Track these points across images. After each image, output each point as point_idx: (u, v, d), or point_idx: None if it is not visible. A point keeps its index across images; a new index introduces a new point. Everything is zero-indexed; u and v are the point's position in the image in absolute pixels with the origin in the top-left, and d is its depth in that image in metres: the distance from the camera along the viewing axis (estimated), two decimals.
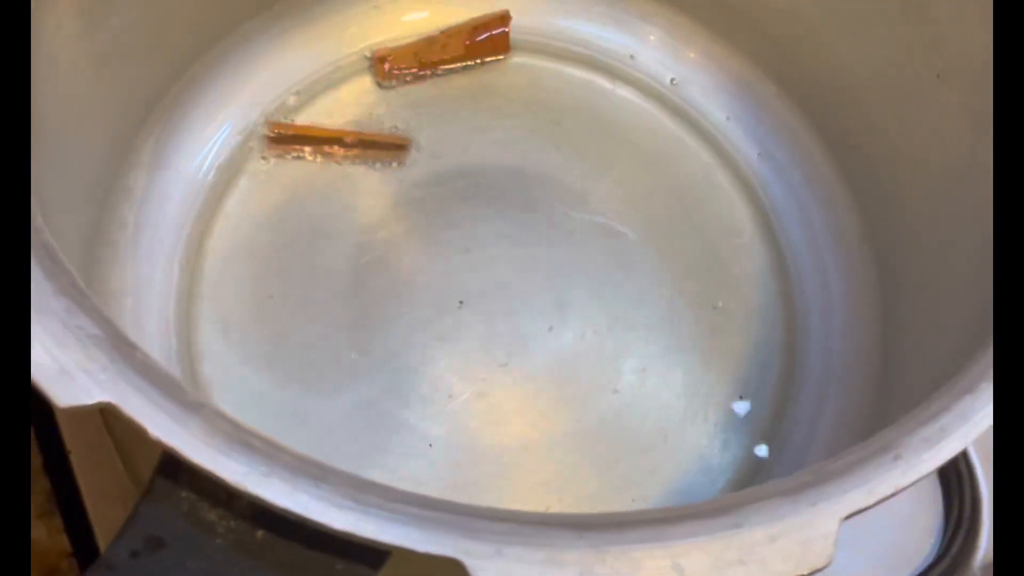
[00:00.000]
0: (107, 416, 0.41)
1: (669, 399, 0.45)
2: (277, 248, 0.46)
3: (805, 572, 0.24)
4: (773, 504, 0.25)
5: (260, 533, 0.26)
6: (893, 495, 0.25)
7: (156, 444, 0.24)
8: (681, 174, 0.49)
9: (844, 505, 0.25)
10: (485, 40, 0.50)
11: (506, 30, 0.50)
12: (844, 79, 0.45)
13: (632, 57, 0.51)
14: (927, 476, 0.25)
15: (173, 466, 0.26)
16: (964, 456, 0.50)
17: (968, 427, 0.26)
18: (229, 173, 0.47)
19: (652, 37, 0.51)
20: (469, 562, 0.23)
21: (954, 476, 0.49)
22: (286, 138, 0.48)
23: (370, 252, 0.46)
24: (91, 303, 0.26)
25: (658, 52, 0.51)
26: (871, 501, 0.25)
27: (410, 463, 0.43)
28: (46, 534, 0.46)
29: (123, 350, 0.25)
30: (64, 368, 0.25)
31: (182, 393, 0.25)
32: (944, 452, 0.25)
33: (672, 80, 0.50)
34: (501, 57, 0.50)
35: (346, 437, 0.43)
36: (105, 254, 0.45)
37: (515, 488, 0.43)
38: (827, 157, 0.48)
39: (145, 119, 0.46)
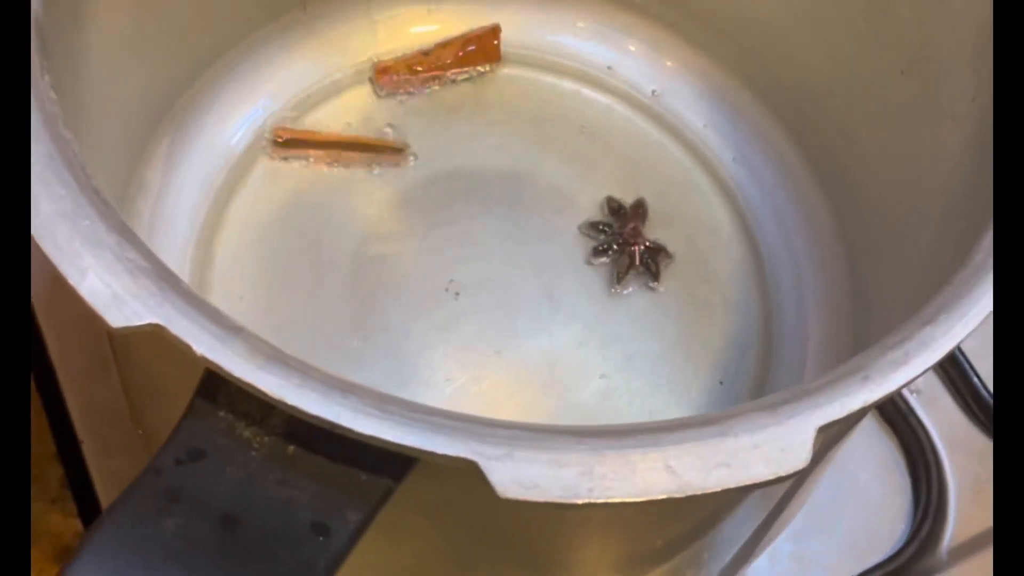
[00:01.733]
0: (126, 377, 0.44)
1: (654, 382, 0.47)
2: (283, 244, 0.49)
3: (784, 473, 0.27)
4: (756, 416, 0.27)
5: (291, 448, 0.28)
6: (863, 409, 0.27)
7: (200, 360, 0.27)
8: (662, 177, 0.52)
9: (819, 417, 0.27)
10: (476, 51, 0.53)
11: (496, 41, 0.53)
12: (814, 83, 0.49)
13: (610, 68, 0.54)
14: (893, 394, 0.28)
15: (212, 388, 0.29)
16: (931, 446, 0.53)
17: (928, 353, 0.29)
18: (238, 173, 0.50)
19: (632, 48, 0.54)
20: (483, 462, 0.26)
21: (922, 465, 0.52)
22: (291, 142, 0.51)
23: (370, 247, 0.49)
24: (139, 240, 0.29)
25: (639, 63, 0.54)
26: (844, 413, 0.27)
27: None
28: (60, 518, 0.48)
29: (169, 280, 0.28)
30: (117, 294, 0.27)
31: (222, 318, 0.28)
32: (908, 373, 0.28)
33: (653, 91, 0.54)
34: (492, 67, 0.54)
35: None
36: None
37: None
38: (800, 158, 0.51)
39: (161, 119, 0.49)
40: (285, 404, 0.27)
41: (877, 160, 0.45)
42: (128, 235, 0.29)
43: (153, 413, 0.43)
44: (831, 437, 0.37)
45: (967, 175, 0.37)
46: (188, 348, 0.27)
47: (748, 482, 0.26)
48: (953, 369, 0.54)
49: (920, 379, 0.53)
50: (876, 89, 0.44)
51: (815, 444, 0.27)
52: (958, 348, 0.52)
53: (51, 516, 0.48)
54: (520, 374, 0.47)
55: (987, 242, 0.31)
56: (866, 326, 0.46)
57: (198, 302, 0.28)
